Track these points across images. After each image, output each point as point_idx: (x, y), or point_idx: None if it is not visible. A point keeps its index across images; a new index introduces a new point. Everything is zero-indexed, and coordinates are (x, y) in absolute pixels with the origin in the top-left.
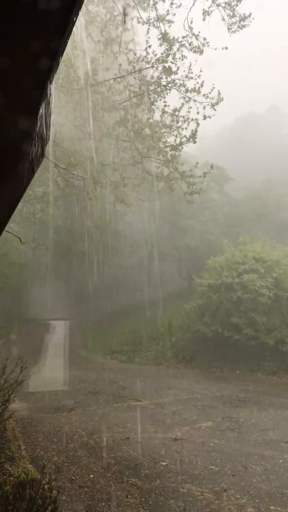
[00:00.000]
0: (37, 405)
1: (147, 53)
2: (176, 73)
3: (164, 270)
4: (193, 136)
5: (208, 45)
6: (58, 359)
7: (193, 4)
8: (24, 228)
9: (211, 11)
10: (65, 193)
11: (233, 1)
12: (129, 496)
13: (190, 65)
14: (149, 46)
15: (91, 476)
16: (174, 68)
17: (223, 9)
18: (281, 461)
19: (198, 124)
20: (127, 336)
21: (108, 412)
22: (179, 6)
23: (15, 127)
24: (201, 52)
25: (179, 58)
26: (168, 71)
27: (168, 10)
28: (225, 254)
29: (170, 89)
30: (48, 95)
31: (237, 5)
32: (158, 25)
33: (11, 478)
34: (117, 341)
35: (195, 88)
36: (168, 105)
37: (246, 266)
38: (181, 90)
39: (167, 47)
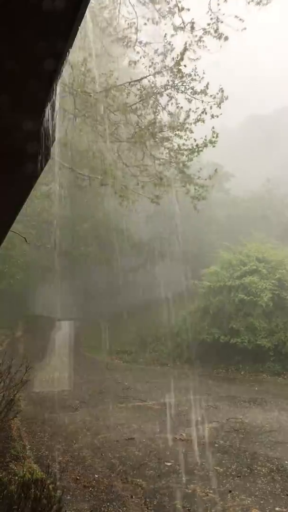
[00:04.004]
0: (42, 405)
1: (165, 56)
2: (189, 75)
3: (169, 270)
4: (214, 141)
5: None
6: (63, 358)
7: None
8: (29, 228)
9: None
10: (71, 193)
11: None
12: (133, 496)
13: (195, 68)
14: (170, 47)
15: (96, 476)
16: (187, 70)
17: None
18: (286, 462)
19: (215, 133)
20: (132, 336)
21: (113, 412)
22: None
23: (21, 128)
24: (226, 38)
25: (202, 46)
26: (180, 73)
27: None
28: (225, 255)
29: (181, 92)
30: (54, 96)
31: None
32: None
33: (16, 478)
34: (121, 341)
35: (202, 90)
36: (181, 107)
37: (247, 267)
38: (188, 91)
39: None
